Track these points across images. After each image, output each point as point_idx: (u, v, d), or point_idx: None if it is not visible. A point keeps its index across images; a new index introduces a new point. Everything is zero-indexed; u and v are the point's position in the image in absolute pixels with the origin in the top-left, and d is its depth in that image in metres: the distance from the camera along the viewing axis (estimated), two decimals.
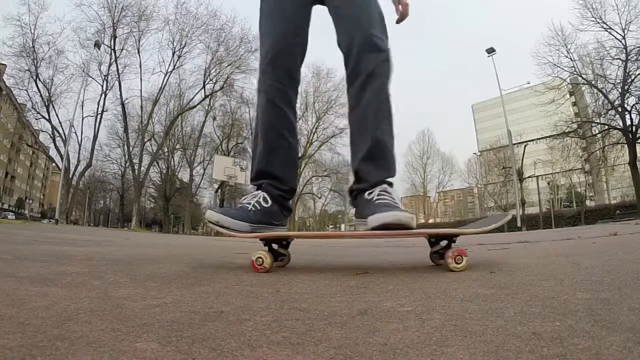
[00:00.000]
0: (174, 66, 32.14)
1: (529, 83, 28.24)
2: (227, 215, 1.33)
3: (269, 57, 1.48)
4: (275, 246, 1.36)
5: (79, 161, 31.49)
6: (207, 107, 34.39)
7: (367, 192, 1.36)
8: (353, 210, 1.48)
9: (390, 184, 1.40)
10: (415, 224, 1.21)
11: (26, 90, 27.82)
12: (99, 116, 31.04)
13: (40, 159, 62.33)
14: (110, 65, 30.32)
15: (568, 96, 25.07)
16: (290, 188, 1.51)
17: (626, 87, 20.18)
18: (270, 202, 1.42)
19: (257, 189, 1.46)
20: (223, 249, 2.84)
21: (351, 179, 1.50)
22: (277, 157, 1.49)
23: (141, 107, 32.18)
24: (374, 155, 1.39)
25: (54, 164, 42.56)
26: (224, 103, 34.09)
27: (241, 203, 1.42)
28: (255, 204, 1.39)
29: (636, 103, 20.12)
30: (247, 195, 1.47)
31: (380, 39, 1.44)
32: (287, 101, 1.51)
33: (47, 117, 28.88)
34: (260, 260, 1.23)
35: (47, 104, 28.54)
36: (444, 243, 1.31)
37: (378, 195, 1.33)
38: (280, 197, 1.47)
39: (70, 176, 30.09)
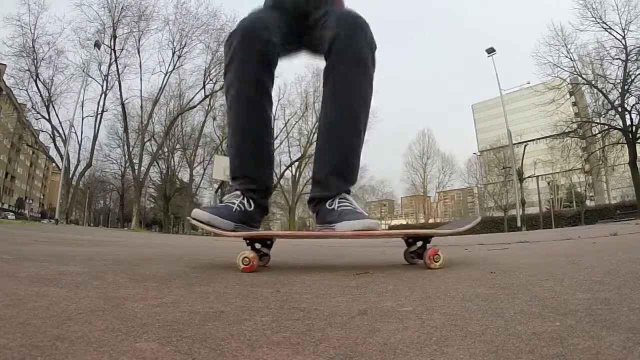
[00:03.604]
0: (174, 66, 32.16)
1: (529, 83, 28.27)
2: (218, 215, 1.35)
3: (240, 35, 1.42)
4: (258, 246, 1.39)
5: (79, 161, 31.52)
6: (207, 107, 34.42)
7: (328, 202, 1.43)
8: (315, 217, 1.53)
9: (349, 192, 1.48)
10: (380, 227, 1.34)
11: (26, 90, 27.86)
12: (99, 116, 31.08)
13: (40, 159, 62.31)
14: (110, 65, 30.35)
15: (568, 96, 25.06)
16: (266, 187, 1.53)
17: (626, 87, 20.17)
18: (252, 206, 1.46)
19: (237, 190, 1.48)
20: (223, 249, 2.84)
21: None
22: (253, 159, 1.49)
23: (141, 107, 32.21)
24: (339, 169, 1.46)
25: (54, 164, 42.59)
26: (224, 103, 34.02)
27: (225, 201, 1.45)
28: (240, 205, 1.43)
29: (636, 103, 20.12)
30: (230, 195, 1.49)
31: (371, 42, 1.45)
32: (264, 90, 1.47)
33: (47, 117, 28.91)
34: (247, 260, 1.23)
35: (47, 104, 28.56)
36: (420, 243, 1.41)
37: (339, 203, 1.41)
38: (259, 199, 1.49)
39: (70, 176, 30.08)
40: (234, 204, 1.42)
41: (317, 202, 1.48)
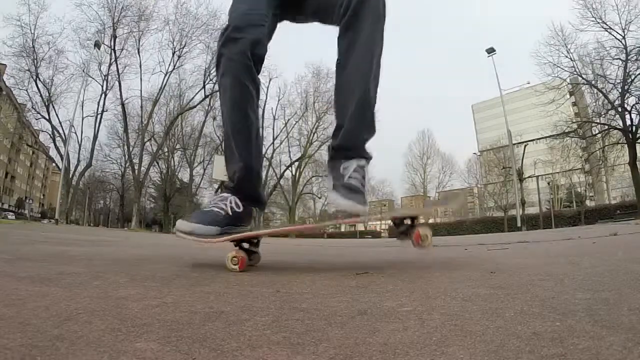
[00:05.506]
0: (174, 66, 32.26)
1: (529, 83, 28.38)
2: (200, 223, 1.36)
3: (233, 26, 1.36)
4: (246, 245, 1.37)
5: (79, 161, 31.61)
6: (207, 107, 34.47)
7: (343, 166, 1.38)
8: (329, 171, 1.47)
9: (368, 158, 1.43)
10: (366, 211, 1.35)
11: (26, 90, 27.95)
12: (99, 116, 31.19)
13: (40, 159, 62.37)
14: (110, 65, 30.44)
15: (568, 96, 25.10)
16: (258, 175, 1.51)
17: (626, 87, 20.21)
18: (242, 207, 1.42)
19: (227, 191, 1.45)
20: (223, 249, 2.84)
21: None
22: (250, 157, 1.46)
23: (141, 107, 32.30)
24: (359, 115, 1.40)
25: (54, 164, 42.62)
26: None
27: (210, 206, 1.43)
28: (226, 209, 1.40)
29: (636, 103, 20.16)
30: (216, 198, 1.46)
31: None
32: (251, 89, 1.40)
33: (47, 117, 29.00)
34: (236, 259, 1.25)
35: (47, 104, 28.62)
36: (408, 222, 1.41)
37: (353, 173, 1.37)
38: (251, 194, 1.46)
39: (70, 176, 30.14)
40: (221, 208, 1.40)
41: (333, 156, 1.43)
